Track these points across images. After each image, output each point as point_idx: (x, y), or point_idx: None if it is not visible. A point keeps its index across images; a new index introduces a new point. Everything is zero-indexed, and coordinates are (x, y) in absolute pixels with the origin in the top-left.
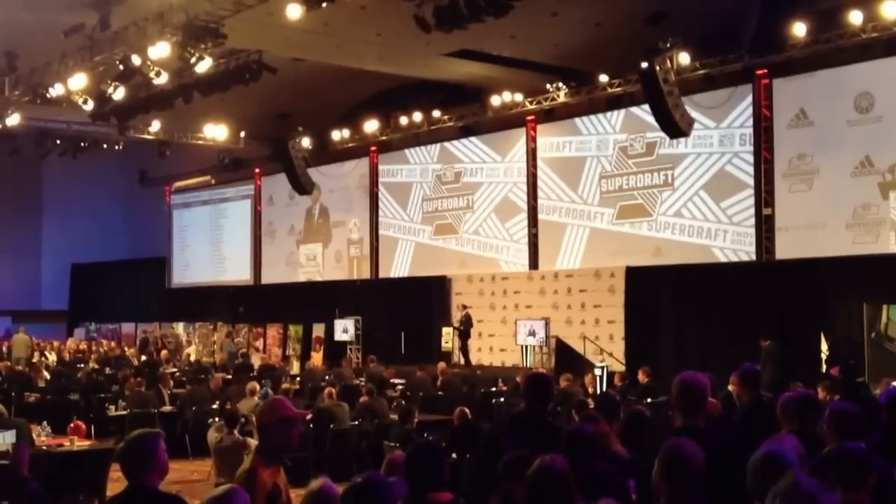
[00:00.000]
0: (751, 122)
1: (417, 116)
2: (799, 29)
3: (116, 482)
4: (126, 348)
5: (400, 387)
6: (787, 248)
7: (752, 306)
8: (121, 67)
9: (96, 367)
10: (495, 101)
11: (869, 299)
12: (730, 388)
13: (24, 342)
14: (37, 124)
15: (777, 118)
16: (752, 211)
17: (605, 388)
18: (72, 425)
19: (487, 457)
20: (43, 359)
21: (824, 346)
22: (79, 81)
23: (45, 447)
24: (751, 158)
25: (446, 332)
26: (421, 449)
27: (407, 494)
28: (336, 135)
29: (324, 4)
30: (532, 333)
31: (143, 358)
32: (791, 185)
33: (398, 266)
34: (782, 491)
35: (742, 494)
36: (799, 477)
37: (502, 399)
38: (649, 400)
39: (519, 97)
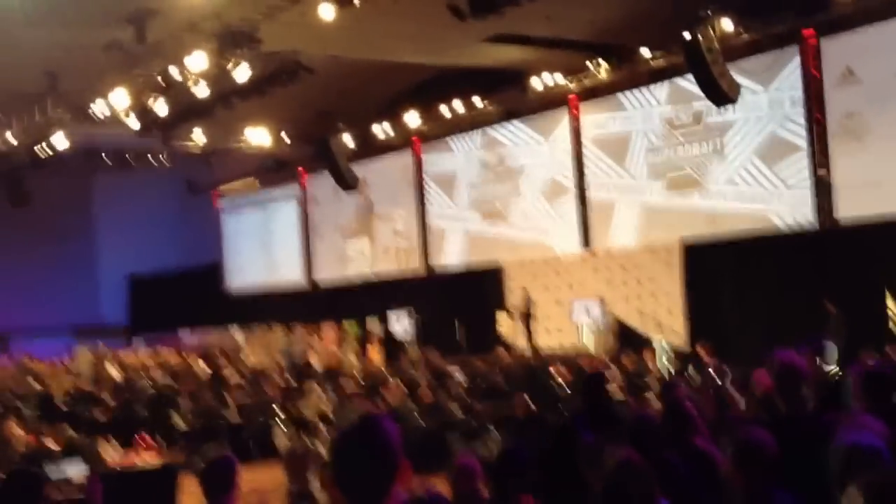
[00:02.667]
0: (800, 83)
1: (458, 104)
2: None
3: (187, 495)
4: (188, 358)
5: (459, 378)
6: (845, 208)
7: (816, 273)
8: (160, 80)
9: (162, 379)
10: (536, 83)
11: None
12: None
13: (87, 359)
14: (83, 142)
15: (826, 78)
16: (807, 173)
17: (665, 364)
18: (140, 441)
19: (558, 448)
20: (107, 373)
21: (891, 305)
22: (120, 96)
23: (117, 466)
24: (802, 120)
25: (502, 317)
26: (508, 453)
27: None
28: (377, 129)
29: (356, 1)
30: (588, 313)
31: (206, 368)
32: (842, 144)
33: (448, 256)
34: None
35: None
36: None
37: (564, 385)
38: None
39: (559, 77)
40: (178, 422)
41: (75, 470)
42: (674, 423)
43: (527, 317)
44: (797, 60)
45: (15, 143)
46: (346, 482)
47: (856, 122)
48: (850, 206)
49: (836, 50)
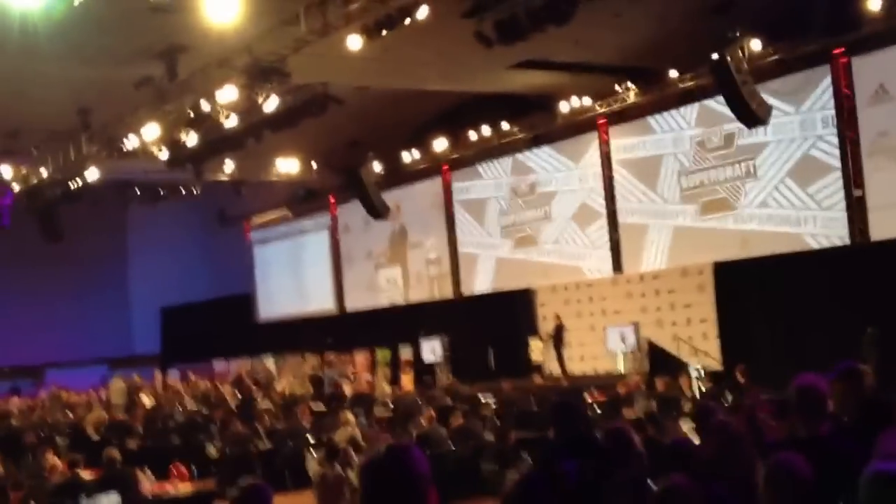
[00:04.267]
0: (831, 103)
1: (486, 131)
2: (873, 3)
3: None
4: (220, 386)
5: (490, 403)
6: (881, 228)
7: (850, 293)
8: (191, 114)
9: (193, 408)
10: (564, 107)
11: None
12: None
13: (120, 389)
14: (115, 175)
15: (858, 96)
16: (841, 194)
17: (701, 389)
18: (174, 470)
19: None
20: (139, 402)
21: None
22: (152, 131)
23: (150, 496)
24: (835, 140)
25: (535, 343)
26: (525, 482)
27: None
28: (406, 156)
29: (383, 32)
30: (623, 339)
31: (238, 396)
32: (876, 163)
33: (480, 282)
34: None
35: None
36: None
37: (598, 410)
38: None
39: (588, 101)
40: (211, 450)
41: (109, 500)
42: (719, 448)
43: (559, 342)
44: (828, 80)
45: (49, 178)
46: None
47: (890, 140)
48: (886, 227)
49: (868, 68)
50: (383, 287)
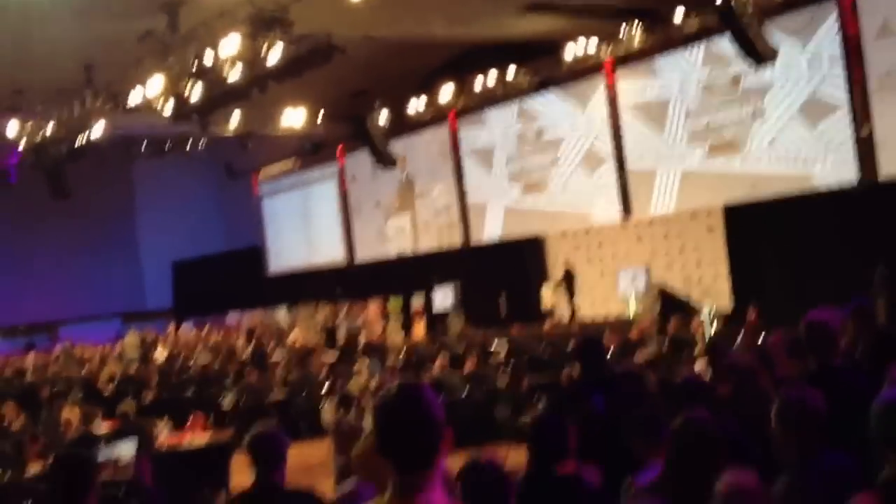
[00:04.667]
0: (838, 40)
1: (492, 77)
2: None
3: (238, 473)
4: (234, 338)
5: (501, 349)
6: (889, 165)
7: (860, 232)
8: (195, 66)
9: (207, 360)
10: (569, 52)
11: None
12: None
13: (134, 344)
14: (121, 131)
15: (865, 34)
16: (849, 132)
17: (712, 331)
18: (191, 420)
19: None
20: (153, 355)
21: None
22: (156, 85)
23: (165, 447)
24: (842, 78)
25: (545, 290)
26: (545, 421)
27: (531, 467)
28: (413, 105)
29: None
30: (634, 281)
31: (251, 348)
32: (883, 101)
33: (489, 230)
34: None
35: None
36: None
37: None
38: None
39: (593, 44)
40: (226, 401)
41: (124, 449)
42: (732, 385)
43: (570, 288)
44: (834, 16)
45: (54, 135)
46: (389, 450)
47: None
48: (894, 163)
49: (874, 4)
50: (392, 236)
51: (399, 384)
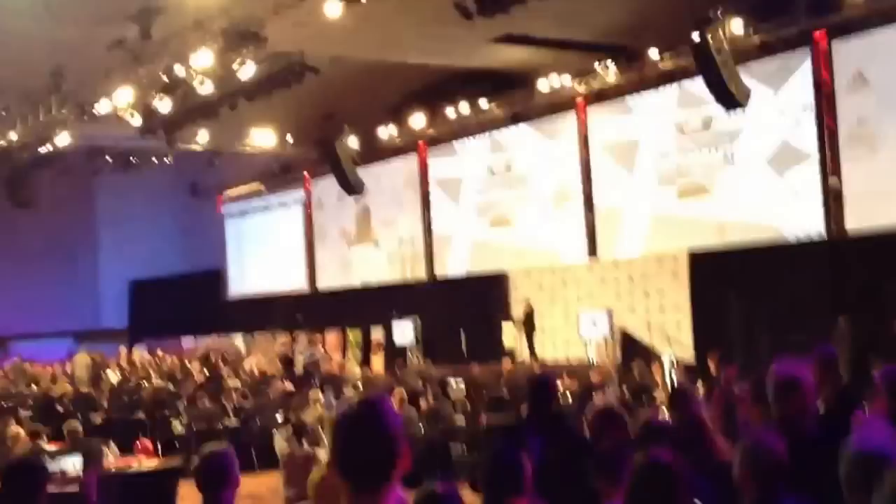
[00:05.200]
0: (810, 88)
1: (464, 107)
2: None
3: (185, 500)
4: (188, 362)
5: (461, 386)
6: (856, 217)
7: (825, 284)
8: (165, 78)
9: (160, 383)
10: (543, 85)
11: None
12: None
13: (84, 363)
14: (86, 142)
15: (838, 82)
16: (817, 181)
17: (672, 378)
18: (139, 445)
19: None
20: (105, 376)
21: None
22: (124, 95)
23: (113, 468)
24: (813, 126)
25: (508, 327)
26: (498, 454)
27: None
28: (383, 132)
29: (362, 0)
30: (595, 325)
31: (206, 373)
32: (853, 151)
33: (454, 263)
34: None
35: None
36: None
37: (569, 395)
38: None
39: (567, 79)
40: (177, 426)
41: (71, 464)
42: (687, 430)
43: (530, 328)
44: (808, 64)
45: (19, 142)
46: (346, 465)
47: (867, 128)
48: (861, 216)
49: (848, 53)
50: (356, 264)
51: (360, 398)
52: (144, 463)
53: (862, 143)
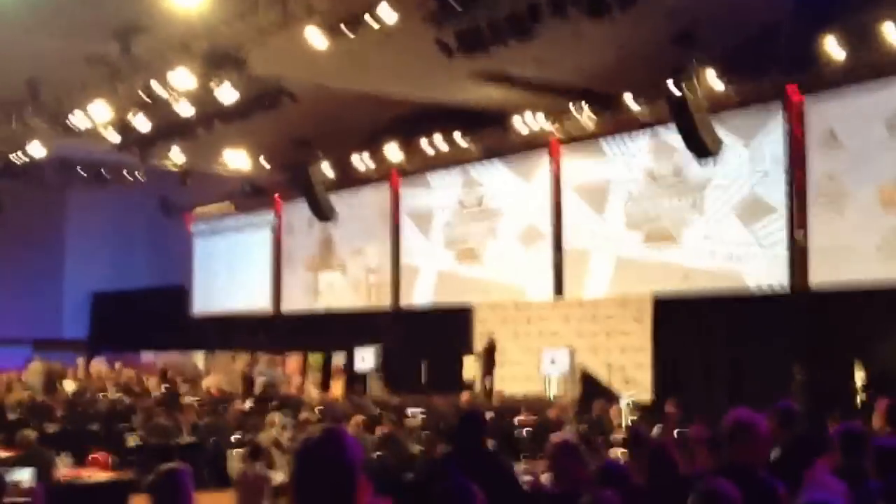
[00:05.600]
0: (781, 142)
1: (439, 141)
2: (831, 45)
3: None
4: (146, 378)
5: (420, 416)
6: (820, 272)
7: (784, 334)
8: (143, 96)
9: (117, 396)
10: (518, 124)
11: None
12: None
13: (37, 371)
14: (60, 153)
15: (809, 138)
16: (783, 234)
17: (629, 420)
18: (92, 457)
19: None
20: (60, 387)
21: (858, 376)
22: (101, 110)
23: (65, 479)
24: (782, 180)
25: (468, 361)
26: (454, 487)
27: None
28: (357, 160)
29: (347, 32)
30: (555, 363)
31: (163, 388)
32: (820, 207)
33: (420, 294)
34: None
35: None
36: None
37: (525, 431)
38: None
39: (542, 120)
40: (131, 440)
41: (22, 476)
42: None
43: (490, 362)
44: (780, 118)
45: None
46: (305, 494)
47: (835, 185)
48: (826, 271)
49: (820, 110)
50: (322, 291)
51: (322, 427)
52: (96, 475)
53: (830, 198)
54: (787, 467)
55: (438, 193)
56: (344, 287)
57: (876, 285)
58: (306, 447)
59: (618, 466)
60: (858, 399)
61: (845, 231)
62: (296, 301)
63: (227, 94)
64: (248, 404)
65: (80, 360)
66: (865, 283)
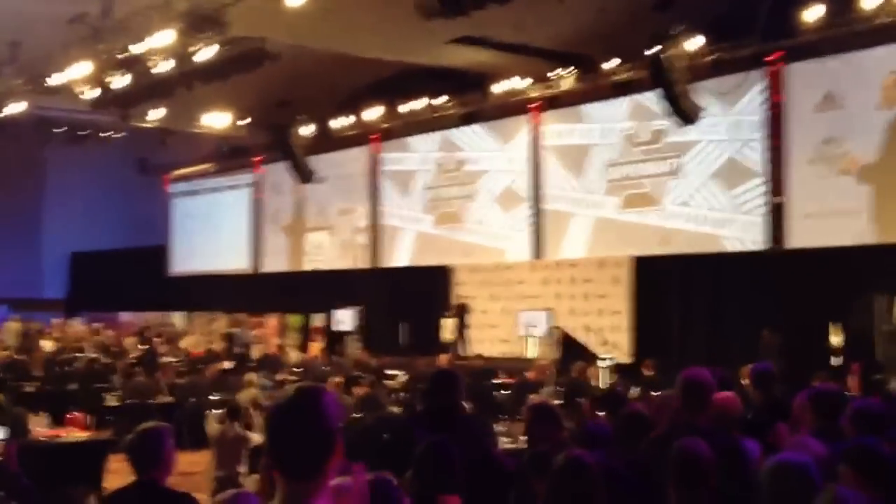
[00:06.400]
0: (762, 108)
1: (419, 104)
2: (812, 13)
3: (114, 474)
4: (124, 337)
5: (401, 378)
6: (798, 237)
7: (762, 297)
8: (123, 56)
9: (94, 355)
10: (498, 87)
11: (881, 290)
12: (743, 382)
13: (13, 330)
14: (38, 112)
15: (792, 103)
16: (762, 200)
17: (608, 381)
18: (70, 416)
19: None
20: (38, 347)
21: (833, 339)
22: (81, 70)
23: (41, 438)
24: (761, 146)
25: (446, 322)
26: (432, 447)
27: (414, 495)
28: (337, 122)
29: None
30: (534, 325)
31: (142, 347)
32: (800, 172)
33: (400, 255)
34: None
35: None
36: (839, 492)
37: (504, 392)
38: (653, 393)
39: (522, 84)
40: (110, 399)
41: None
42: (626, 426)
43: (462, 324)
44: (761, 85)
45: None
46: (280, 455)
47: (815, 151)
48: (804, 237)
49: (801, 77)
50: (307, 252)
51: (298, 387)
52: (74, 434)
53: (809, 164)
54: (761, 428)
55: (418, 156)
56: (323, 248)
57: (854, 248)
58: (281, 408)
59: (601, 427)
60: (833, 361)
61: (824, 196)
62: (278, 262)
63: (207, 54)
64: (230, 363)
65: (55, 321)
66: (842, 246)
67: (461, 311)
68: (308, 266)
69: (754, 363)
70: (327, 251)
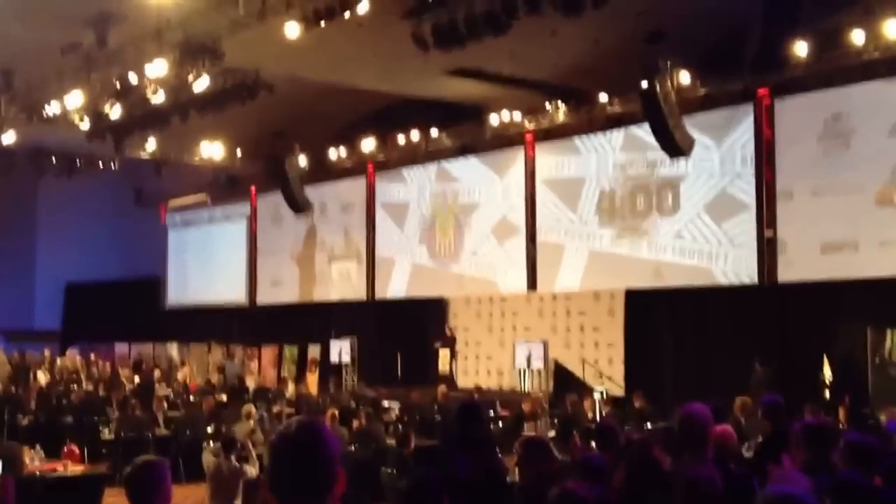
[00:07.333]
0: (752, 142)
1: (415, 135)
2: (800, 48)
3: None
4: (120, 369)
5: (395, 410)
6: (789, 270)
7: (753, 330)
8: (118, 85)
9: (89, 388)
10: (493, 119)
11: (872, 323)
12: (737, 413)
13: (2, 362)
14: (32, 142)
15: (782, 137)
16: (753, 233)
17: (601, 413)
18: (66, 450)
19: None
20: (34, 380)
21: (826, 372)
22: (75, 99)
23: (37, 472)
24: (752, 179)
25: (443, 354)
26: (420, 482)
27: None
28: (333, 153)
29: (322, 23)
30: (529, 357)
31: (137, 380)
32: (789, 206)
33: (395, 286)
34: None
35: None
36: None
37: (500, 424)
38: (648, 425)
39: (517, 116)
40: (105, 432)
41: None
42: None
43: (451, 353)
44: (751, 118)
45: None
46: (282, 486)
47: (805, 184)
48: (795, 269)
49: (789, 111)
50: (297, 283)
51: (298, 419)
52: (70, 468)
53: (798, 197)
54: (762, 461)
55: (414, 187)
56: (320, 278)
57: (845, 282)
58: (282, 437)
59: (596, 459)
60: (827, 394)
61: (814, 229)
62: (272, 293)
63: (202, 84)
64: (225, 396)
65: (47, 352)
66: (834, 280)
67: (451, 342)
68: (297, 297)
69: (765, 395)
70: (315, 281)
